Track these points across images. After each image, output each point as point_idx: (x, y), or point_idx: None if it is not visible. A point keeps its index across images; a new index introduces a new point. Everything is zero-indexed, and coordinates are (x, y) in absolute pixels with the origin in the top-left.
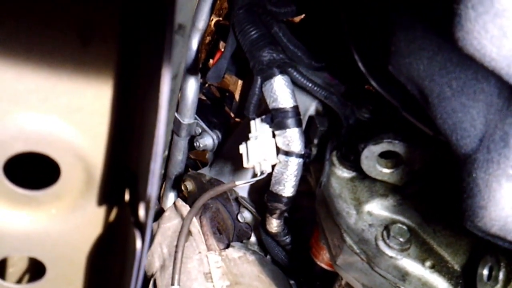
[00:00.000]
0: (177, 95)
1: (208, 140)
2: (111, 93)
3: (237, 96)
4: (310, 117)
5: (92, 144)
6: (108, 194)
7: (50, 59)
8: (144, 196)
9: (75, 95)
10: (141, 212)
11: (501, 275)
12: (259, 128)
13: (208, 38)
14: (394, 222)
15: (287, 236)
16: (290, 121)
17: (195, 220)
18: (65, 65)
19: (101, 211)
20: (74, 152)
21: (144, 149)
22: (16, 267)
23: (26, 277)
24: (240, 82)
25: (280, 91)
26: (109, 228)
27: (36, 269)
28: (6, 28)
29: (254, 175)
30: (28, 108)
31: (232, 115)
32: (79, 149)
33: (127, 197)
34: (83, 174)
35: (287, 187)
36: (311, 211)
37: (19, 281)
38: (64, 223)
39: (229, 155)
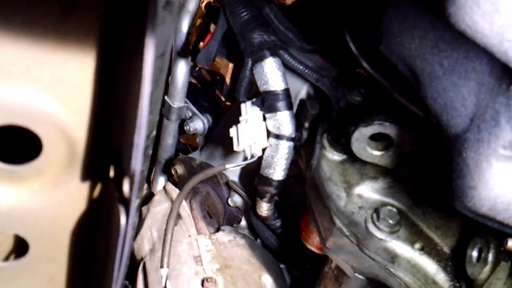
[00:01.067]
0: (166, 75)
1: (199, 124)
2: (94, 65)
3: (228, 80)
4: (301, 101)
5: (75, 118)
6: (91, 170)
7: (30, 29)
8: (128, 171)
9: (57, 66)
10: (125, 187)
11: (490, 257)
12: (249, 111)
13: (198, 21)
14: (384, 204)
15: (277, 220)
16: (281, 104)
17: (185, 204)
18: (46, 35)
19: (84, 187)
20: (56, 125)
21: (128, 123)
22: (1, 248)
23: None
24: (231, 65)
25: (271, 74)
26: (93, 204)
27: (21, 249)
28: None
29: (245, 159)
30: (9, 80)
31: (223, 98)
32: (61, 122)
33: (111, 173)
34: (65, 148)
35: (277, 171)
36: (301, 195)
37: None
38: (47, 199)
39: (219, 139)
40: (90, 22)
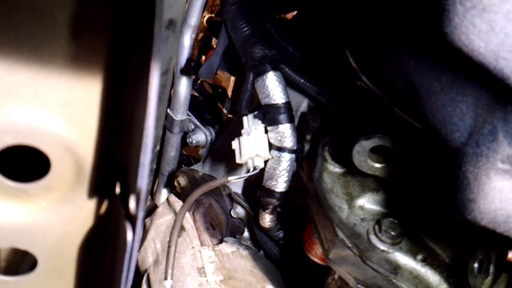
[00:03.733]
0: (169, 91)
1: (201, 136)
2: (101, 87)
3: (229, 93)
4: (303, 113)
5: (82, 137)
6: (98, 187)
7: (40, 53)
8: (135, 188)
9: (66, 89)
10: (132, 204)
11: (491, 268)
12: (251, 124)
13: (200, 35)
14: (385, 216)
15: (280, 231)
16: (283, 117)
17: (188, 216)
18: (55, 59)
19: (91, 204)
20: (64, 145)
21: (134, 142)
22: (9, 262)
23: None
24: (232, 78)
25: (272, 87)
26: (100, 220)
27: (30, 264)
28: None
29: (247, 171)
30: (19, 102)
31: (225, 111)
32: (69, 142)
33: (117, 190)
34: (73, 167)
35: (279, 183)
36: (303, 207)
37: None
38: (55, 216)
39: (222, 151)
40: (97, 46)
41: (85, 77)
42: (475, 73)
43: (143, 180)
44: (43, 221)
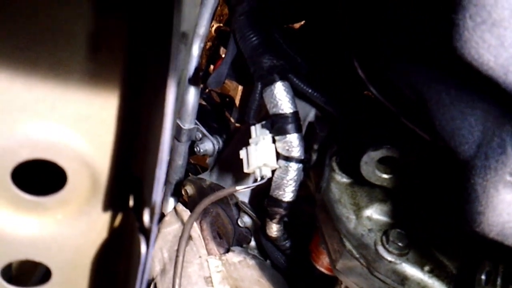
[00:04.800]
0: (179, 101)
1: (209, 145)
2: (117, 102)
3: (237, 102)
4: (310, 123)
5: (99, 152)
6: (113, 200)
7: (57, 69)
8: (149, 202)
9: (83, 104)
10: (146, 218)
11: (499, 280)
12: (259, 133)
13: (208, 44)
14: (393, 226)
15: (287, 241)
16: (290, 127)
17: (195, 225)
18: (72, 75)
19: (106, 217)
20: (81, 159)
21: (150, 156)
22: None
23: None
24: (240, 88)
25: (280, 97)
26: (114, 233)
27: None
28: (15, 38)
29: (255, 180)
30: (36, 117)
31: (233, 120)
32: (85, 156)
33: (131, 202)
34: (89, 180)
35: (287, 192)
36: (311, 216)
37: (25, 284)
38: (70, 229)
39: (229, 160)
40: (114, 61)
41: (101, 92)
42: (484, 87)
43: (157, 195)
44: (58, 234)
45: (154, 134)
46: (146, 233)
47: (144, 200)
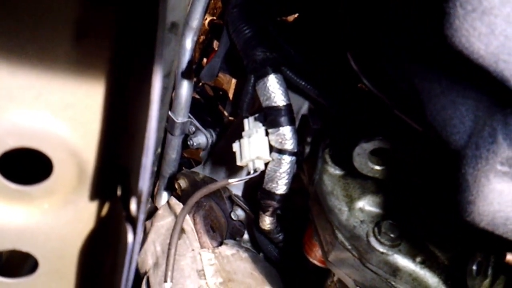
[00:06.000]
0: (171, 93)
1: (202, 139)
2: (103, 90)
3: (230, 95)
4: (303, 116)
5: (84, 140)
6: (100, 189)
7: (43, 56)
8: (136, 191)
9: (68, 92)
10: (133, 206)
11: (490, 270)
12: (252, 126)
13: (202, 37)
14: (385, 218)
15: (280, 234)
16: (283, 119)
17: (188, 218)
18: (58, 62)
19: (93, 206)
20: (67, 147)
21: (136, 145)
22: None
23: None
24: (233, 81)
25: (273, 90)
26: (101, 222)
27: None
28: (0, 25)
29: (248, 173)
30: (21, 105)
31: (226, 113)
32: (71, 145)
33: (119, 192)
34: (75, 169)
35: (280, 185)
36: (304, 209)
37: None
38: (57, 218)
39: (222, 154)
40: (101, 50)
41: (87, 80)
42: (475, 76)
43: (144, 183)
44: (45, 223)
45: (140, 122)
46: (133, 221)
47: (131, 189)
